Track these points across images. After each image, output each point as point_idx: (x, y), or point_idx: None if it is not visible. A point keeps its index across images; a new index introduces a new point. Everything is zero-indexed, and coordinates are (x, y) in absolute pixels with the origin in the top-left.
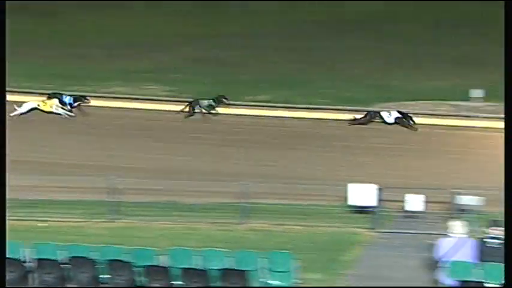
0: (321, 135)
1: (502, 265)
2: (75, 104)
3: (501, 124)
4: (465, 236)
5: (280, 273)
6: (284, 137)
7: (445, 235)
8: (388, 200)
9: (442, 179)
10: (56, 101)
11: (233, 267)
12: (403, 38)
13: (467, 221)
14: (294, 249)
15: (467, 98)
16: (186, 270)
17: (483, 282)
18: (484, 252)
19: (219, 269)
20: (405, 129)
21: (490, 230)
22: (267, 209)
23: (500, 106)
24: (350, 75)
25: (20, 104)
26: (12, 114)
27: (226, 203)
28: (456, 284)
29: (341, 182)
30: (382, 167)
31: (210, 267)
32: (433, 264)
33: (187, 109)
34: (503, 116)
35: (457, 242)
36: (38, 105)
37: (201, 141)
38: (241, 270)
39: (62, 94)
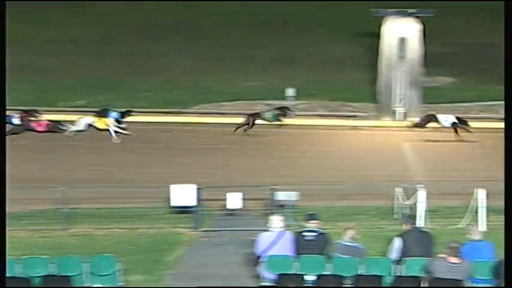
0: (142, 138)
1: (319, 257)
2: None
3: (314, 121)
4: (283, 230)
5: (104, 277)
6: (104, 141)
7: (265, 230)
8: (210, 199)
9: (261, 177)
10: (111, 119)
11: (56, 273)
12: (218, 41)
13: (285, 215)
14: (118, 252)
15: (281, 97)
16: (8, 279)
17: (301, 274)
18: (302, 245)
19: (41, 276)
20: (222, 129)
21: (307, 224)
22: (89, 214)
23: (311, 104)
24: (168, 78)
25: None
26: (69, 132)
27: (48, 210)
28: (275, 277)
29: (163, 183)
30: (202, 167)
31: (33, 275)
32: (255, 260)
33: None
34: (315, 113)
35: (275, 237)
36: (93, 122)
37: (21, 148)
38: (65, 276)
39: (108, 110)
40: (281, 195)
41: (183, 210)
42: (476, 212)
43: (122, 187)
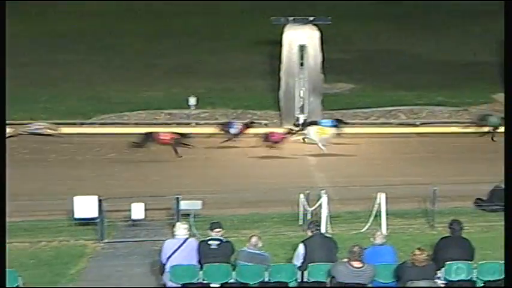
0: (42, 150)
1: (224, 265)
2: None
3: (216, 130)
4: (188, 239)
5: None
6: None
7: (169, 240)
8: (113, 210)
9: (164, 186)
10: (332, 128)
11: None
12: (119, 50)
13: (189, 224)
14: (19, 266)
15: (182, 106)
16: None
17: (206, 283)
18: (206, 254)
19: None
20: (124, 139)
21: (211, 232)
22: None
23: (212, 112)
24: (68, 88)
25: None
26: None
27: None
28: (180, 287)
29: (64, 195)
30: (104, 178)
31: None
32: (159, 270)
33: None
34: (214, 121)
35: (180, 246)
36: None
37: None
38: None
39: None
40: (185, 204)
41: (86, 222)
42: (377, 216)
43: (22, 200)
